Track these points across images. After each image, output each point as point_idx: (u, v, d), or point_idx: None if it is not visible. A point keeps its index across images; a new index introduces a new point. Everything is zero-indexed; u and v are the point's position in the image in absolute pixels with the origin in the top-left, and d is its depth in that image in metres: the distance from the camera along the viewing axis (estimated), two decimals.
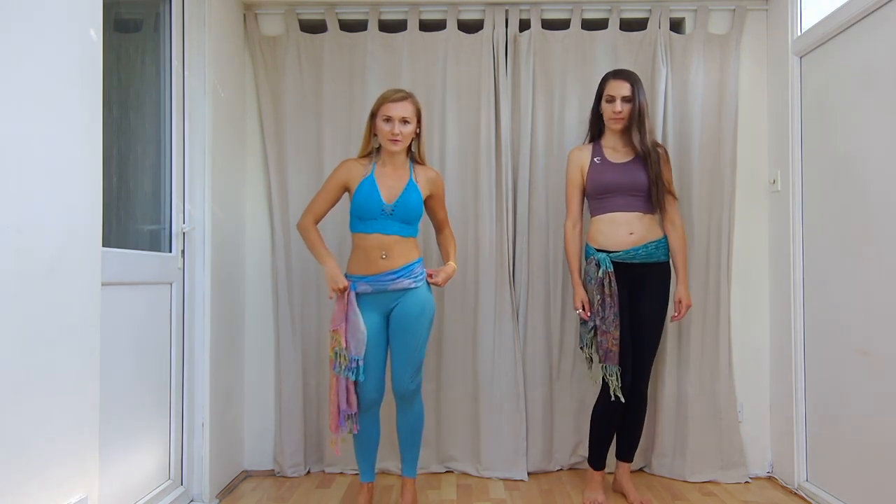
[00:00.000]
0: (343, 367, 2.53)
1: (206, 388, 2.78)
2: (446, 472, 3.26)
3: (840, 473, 2.70)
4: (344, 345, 2.53)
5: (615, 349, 2.71)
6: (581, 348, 2.85)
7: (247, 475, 3.27)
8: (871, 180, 2.50)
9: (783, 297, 3.09)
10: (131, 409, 2.36)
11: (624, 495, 2.90)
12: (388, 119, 2.54)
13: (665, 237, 2.84)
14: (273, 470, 3.26)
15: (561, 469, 3.27)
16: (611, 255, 2.76)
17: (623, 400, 2.74)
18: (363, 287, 2.56)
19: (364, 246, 2.57)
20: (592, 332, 2.77)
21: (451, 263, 2.74)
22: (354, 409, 2.57)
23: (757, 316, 3.25)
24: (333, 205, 2.69)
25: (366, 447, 2.68)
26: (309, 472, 3.26)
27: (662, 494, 2.95)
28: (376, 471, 3.14)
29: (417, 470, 2.80)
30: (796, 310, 2.98)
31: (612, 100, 2.78)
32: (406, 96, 2.57)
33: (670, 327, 3.15)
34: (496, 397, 3.19)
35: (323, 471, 3.26)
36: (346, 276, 2.61)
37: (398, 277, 2.56)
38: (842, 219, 2.68)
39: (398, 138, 2.53)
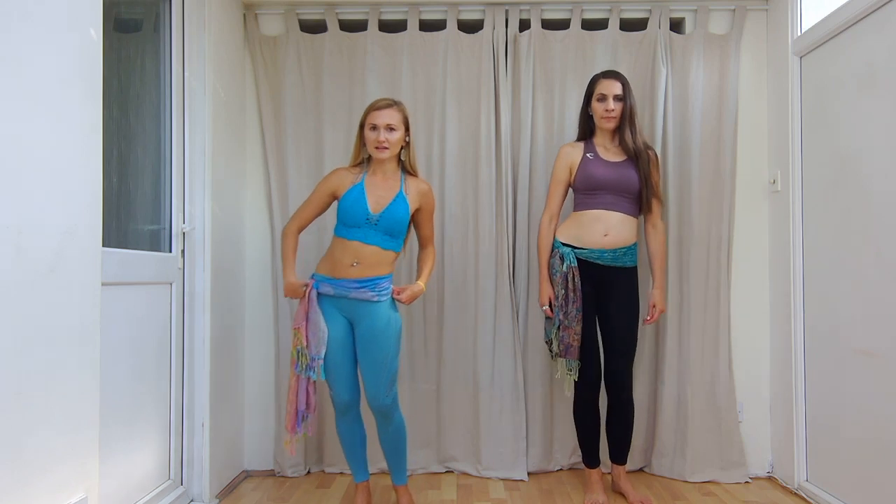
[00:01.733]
0: (304, 367, 2.53)
1: (206, 388, 2.78)
2: (446, 472, 3.26)
3: (840, 473, 2.70)
4: (305, 343, 2.53)
5: (576, 344, 2.73)
6: (546, 342, 2.86)
7: (247, 475, 3.27)
8: (872, 180, 2.50)
9: (783, 297, 3.09)
10: (131, 409, 2.36)
11: (623, 496, 2.90)
12: (374, 127, 2.53)
13: (636, 244, 2.83)
14: (273, 470, 3.26)
15: (561, 469, 3.27)
16: (576, 251, 2.77)
17: (570, 393, 2.81)
18: (325, 288, 2.55)
19: (340, 250, 2.55)
20: (557, 327, 2.78)
21: (420, 283, 2.66)
22: (313, 410, 2.59)
23: (757, 316, 3.25)
24: (321, 212, 2.69)
25: (352, 448, 2.69)
26: (309, 472, 3.26)
27: (662, 494, 2.95)
28: (377, 471, 3.17)
29: (407, 475, 2.78)
30: (796, 310, 2.98)
31: (603, 98, 2.78)
32: (391, 104, 2.56)
33: (670, 328, 3.15)
34: (496, 397, 3.19)
35: (323, 471, 3.26)
36: (312, 274, 2.62)
37: (361, 287, 2.52)
38: (842, 219, 2.68)
39: (385, 145, 2.52)
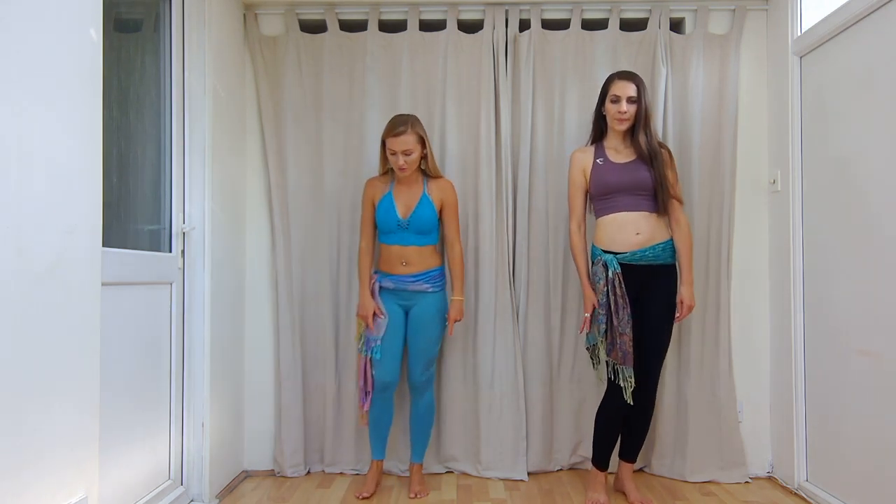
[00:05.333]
0: (364, 347, 2.91)
1: (206, 388, 2.78)
2: (446, 472, 3.26)
3: (840, 473, 2.70)
4: (369, 328, 2.90)
5: (631, 350, 2.70)
6: (587, 348, 2.84)
7: (247, 475, 3.27)
8: (871, 180, 2.50)
9: (783, 297, 3.09)
10: (131, 409, 2.36)
11: (625, 494, 2.90)
12: (393, 152, 2.81)
13: (671, 239, 2.82)
14: (273, 470, 3.26)
15: (561, 469, 3.27)
16: (617, 256, 2.75)
17: (631, 403, 2.74)
18: (387, 283, 2.92)
19: (388, 254, 2.92)
20: (607, 334, 2.75)
21: (455, 299, 2.95)
22: (369, 388, 2.93)
23: (757, 316, 3.25)
24: (375, 221, 2.97)
25: (378, 425, 2.97)
26: (309, 472, 3.26)
27: (662, 494, 2.95)
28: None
29: (424, 457, 3.06)
30: (796, 310, 2.98)
31: (617, 100, 2.77)
32: (404, 130, 2.80)
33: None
34: (496, 397, 3.19)
35: (323, 471, 3.26)
36: (375, 270, 2.98)
37: (417, 281, 2.89)
38: (842, 219, 2.68)
39: (404, 167, 2.83)
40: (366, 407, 2.94)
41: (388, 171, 2.96)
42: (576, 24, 3.25)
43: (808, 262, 2.94)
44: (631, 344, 2.70)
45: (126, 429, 2.32)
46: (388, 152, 2.84)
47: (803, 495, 2.92)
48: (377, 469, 3.00)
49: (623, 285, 2.72)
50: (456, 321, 2.94)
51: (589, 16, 3.28)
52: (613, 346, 2.72)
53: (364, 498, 2.88)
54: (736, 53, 3.23)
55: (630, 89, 2.75)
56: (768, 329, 3.25)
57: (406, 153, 2.80)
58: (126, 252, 2.31)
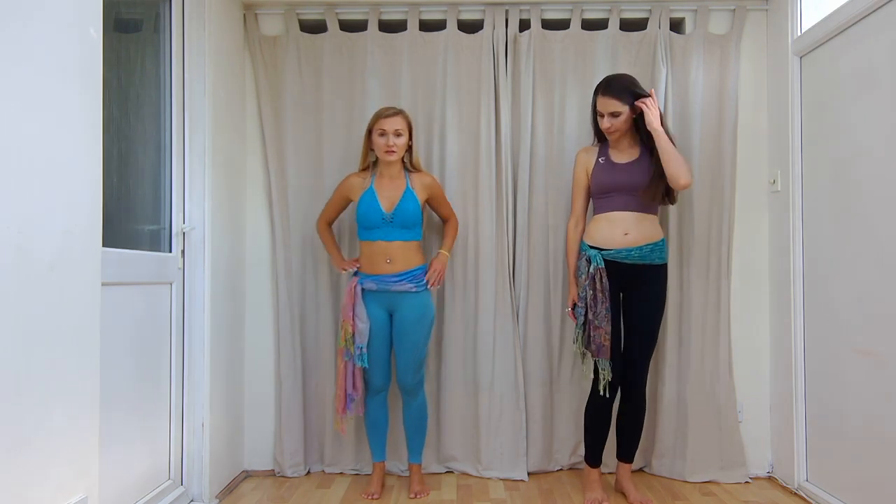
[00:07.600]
0: (352, 355, 2.85)
1: (206, 388, 2.78)
2: (446, 472, 3.26)
3: (840, 473, 2.70)
4: (352, 332, 2.85)
5: (607, 344, 2.73)
6: (574, 343, 2.87)
7: (247, 475, 3.27)
8: (871, 180, 2.50)
9: (783, 297, 3.09)
10: (131, 409, 2.36)
11: (624, 495, 2.90)
12: (383, 133, 2.82)
13: (663, 241, 2.84)
14: (273, 470, 3.26)
15: (561, 469, 3.27)
16: (603, 252, 2.78)
17: (607, 395, 2.77)
18: (369, 284, 2.87)
19: (370, 252, 2.87)
20: (584, 327, 2.78)
21: (441, 252, 2.98)
22: (360, 393, 2.90)
23: (757, 316, 3.25)
24: (341, 212, 3.05)
25: (375, 428, 2.98)
26: (309, 472, 3.26)
27: (662, 494, 2.95)
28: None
29: (423, 457, 3.05)
30: (796, 310, 2.98)
31: (601, 115, 2.80)
32: (398, 112, 2.85)
33: (670, 328, 3.15)
34: (496, 397, 3.19)
35: (323, 471, 3.26)
36: (356, 271, 2.92)
37: (400, 280, 2.84)
38: (842, 219, 2.68)
39: (393, 149, 2.81)
40: (350, 413, 2.92)
41: (368, 166, 2.95)
42: (576, 24, 3.25)
43: (808, 262, 2.94)
44: (608, 338, 2.73)
45: (126, 429, 2.32)
46: (376, 134, 2.82)
47: (803, 495, 2.92)
48: (380, 470, 3.01)
49: (604, 280, 2.74)
50: (439, 273, 2.90)
51: (589, 16, 3.28)
52: (590, 338, 2.75)
53: (374, 498, 2.89)
54: (736, 53, 3.23)
55: (610, 105, 2.76)
56: (768, 329, 3.24)
57: (397, 133, 2.81)
58: (126, 252, 2.31)
